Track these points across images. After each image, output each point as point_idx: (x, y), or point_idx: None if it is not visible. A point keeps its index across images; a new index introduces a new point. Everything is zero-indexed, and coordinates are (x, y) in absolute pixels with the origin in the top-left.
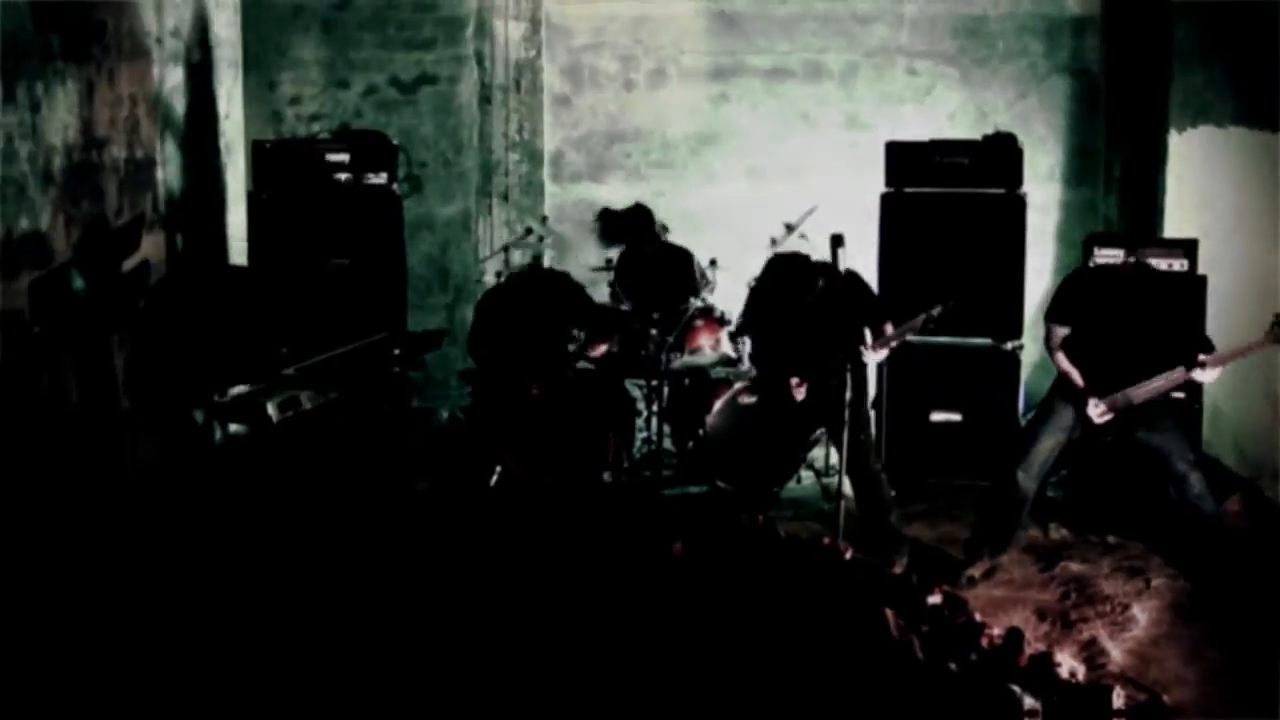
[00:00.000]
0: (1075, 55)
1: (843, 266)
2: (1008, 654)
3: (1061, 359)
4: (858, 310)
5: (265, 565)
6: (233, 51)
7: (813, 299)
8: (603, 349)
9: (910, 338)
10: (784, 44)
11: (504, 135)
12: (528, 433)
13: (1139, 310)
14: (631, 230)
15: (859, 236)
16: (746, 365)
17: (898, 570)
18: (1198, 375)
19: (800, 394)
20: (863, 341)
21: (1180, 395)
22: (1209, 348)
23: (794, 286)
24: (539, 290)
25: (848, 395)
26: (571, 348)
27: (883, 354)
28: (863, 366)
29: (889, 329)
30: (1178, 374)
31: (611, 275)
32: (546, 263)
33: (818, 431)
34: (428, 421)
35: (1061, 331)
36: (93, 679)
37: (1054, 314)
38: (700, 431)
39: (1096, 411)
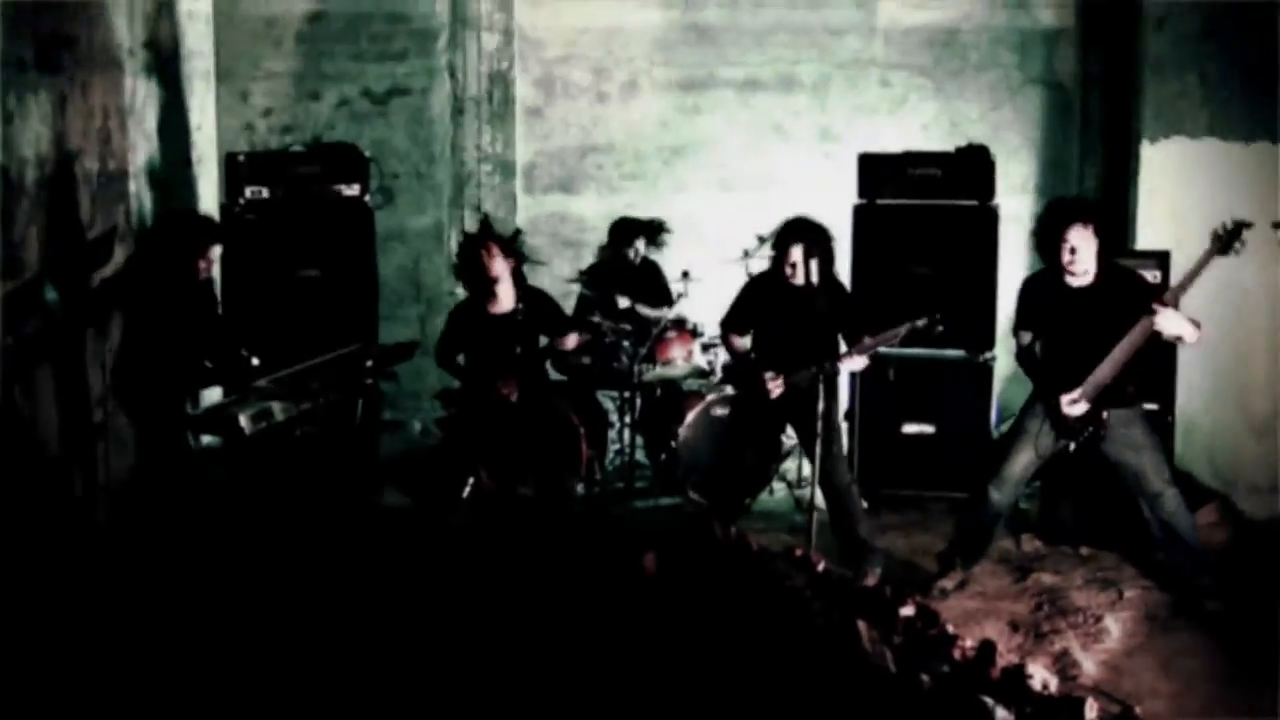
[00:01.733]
0: (1048, 67)
1: (814, 278)
2: (980, 666)
3: (1031, 365)
4: (841, 315)
5: (237, 577)
6: (205, 63)
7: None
8: (574, 340)
9: (883, 349)
10: (756, 55)
11: (476, 147)
12: (500, 445)
13: (1100, 306)
14: (621, 234)
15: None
16: (718, 376)
17: (870, 582)
18: (1158, 323)
19: (775, 390)
20: (838, 350)
21: (1153, 406)
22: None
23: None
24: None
25: (820, 406)
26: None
27: (860, 362)
28: (835, 375)
29: (867, 340)
30: (1137, 331)
31: (581, 287)
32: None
33: (789, 444)
34: (400, 433)
35: (1026, 336)
36: (66, 690)
37: (1019, 323)
38: (672, 443)
39: (1071, 404)
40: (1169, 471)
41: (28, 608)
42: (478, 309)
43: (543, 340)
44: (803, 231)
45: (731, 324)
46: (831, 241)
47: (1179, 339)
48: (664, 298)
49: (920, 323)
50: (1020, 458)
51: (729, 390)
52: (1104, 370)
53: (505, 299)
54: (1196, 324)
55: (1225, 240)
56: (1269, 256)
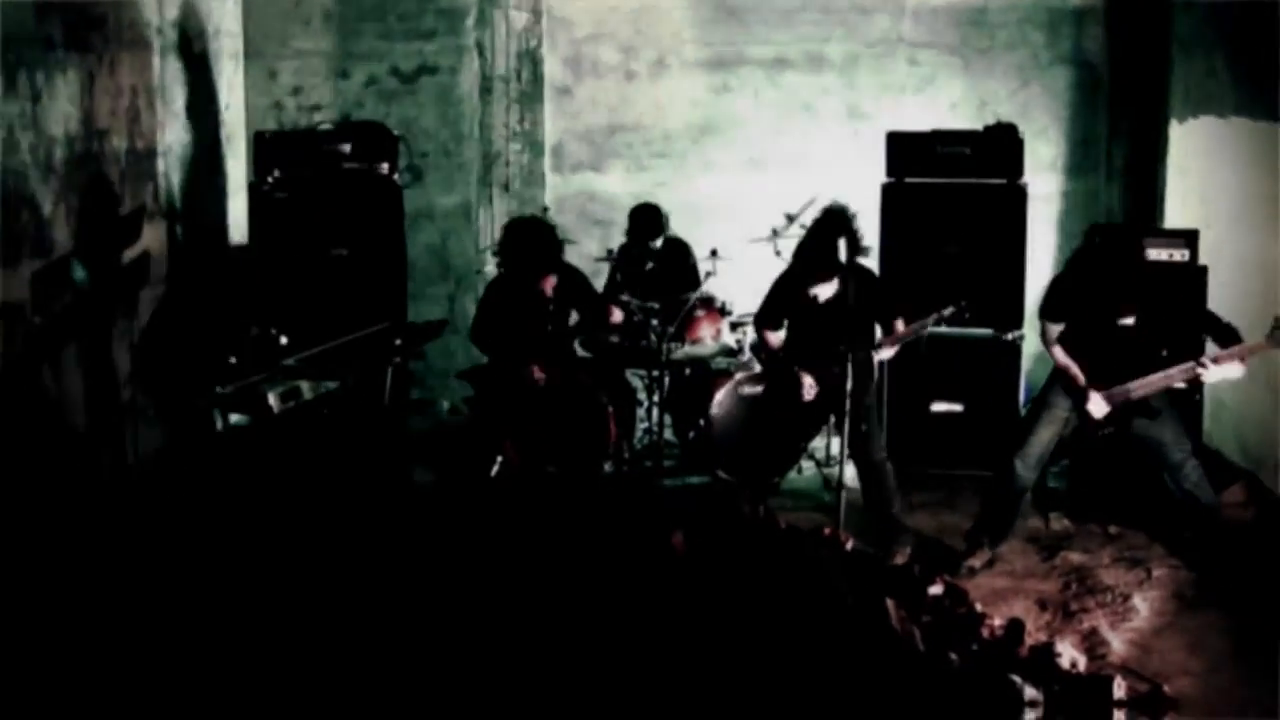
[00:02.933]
0: (1076, 45)
1: (843, 257)
2: (1009, 644)
3: (1059, 353)
4: (873, 303)
5: (266, 556)
6: (234, 42)
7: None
8: (619, 314)
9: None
10: (785, 34)
11: (505, 125)
12: (529, 423)
13: (1134, 303)
14: (641, 228)
15: (860, 226)
16: (747, 355)
17: (899, 561)
18: (1200, 373)
19: (811, 394)
20: (873, 340)
21: (1181, 385)
22: (1219, 327)
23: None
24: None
25: (849, 385)
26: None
27: (892, 351)
28: (869, 358)
29: (899, 326)
30: (1179, 370)
31: (611, 266)
32: None
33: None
34: (428, 412)
35: (1056, 328)
36: (95, 672)
37: (1047, 311)
38: (701, 422)
39: (1097, 406)
40: (1190, 444)
41: (55, 586)
42: (521, 287)
43: (573, 317)
44: (835, 255)
45: (765, 320)
46: (858, 233)
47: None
48: (691, 279)
49: (947, 311)
50: (1044, 431)
51: (758, 369)
52: (1136, 388)
53: (551, 283)
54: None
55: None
56: None
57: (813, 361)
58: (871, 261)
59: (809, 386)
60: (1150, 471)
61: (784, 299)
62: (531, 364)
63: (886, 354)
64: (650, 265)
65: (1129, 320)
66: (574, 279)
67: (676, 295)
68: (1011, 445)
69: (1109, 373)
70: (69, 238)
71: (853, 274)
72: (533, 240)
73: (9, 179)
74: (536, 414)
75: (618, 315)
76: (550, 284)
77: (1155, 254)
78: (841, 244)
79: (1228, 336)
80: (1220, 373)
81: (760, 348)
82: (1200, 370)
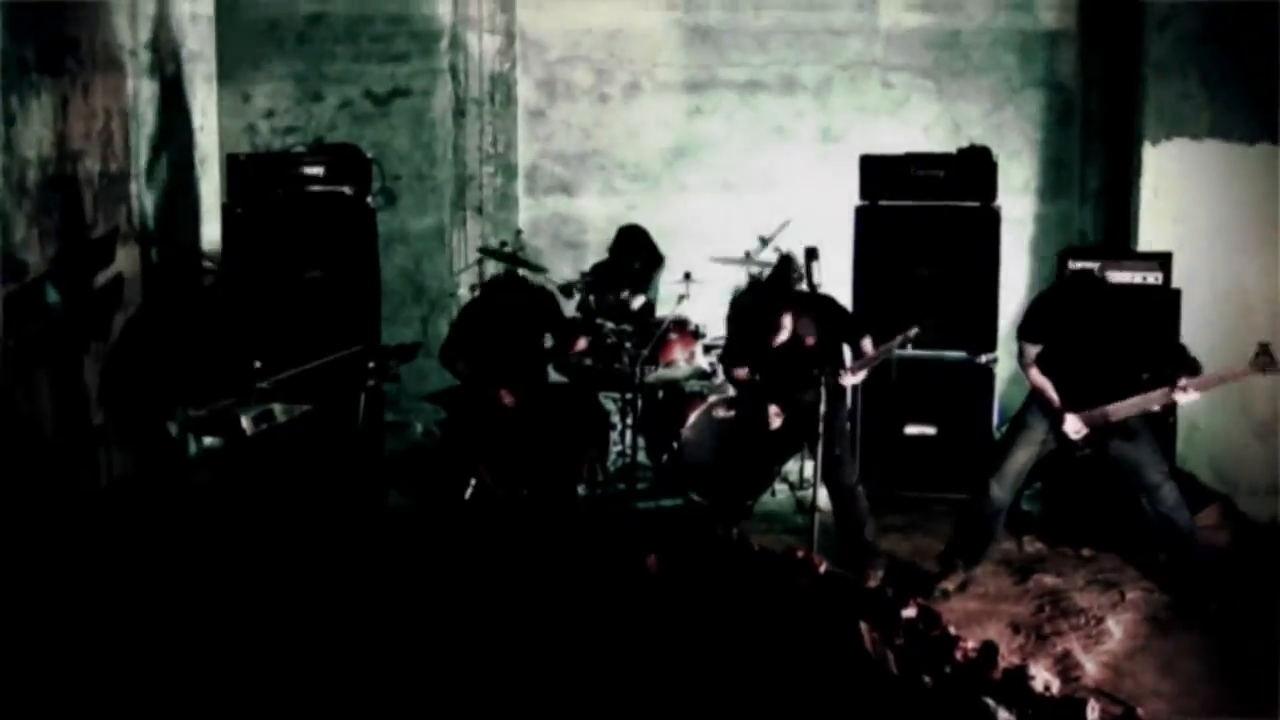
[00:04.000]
0: (1050, 68)
1: (818, 279)
2: (982, 667)
3: (1036, 375)
4: (835, 334)
5: (239, 579)
6: (207, 65)
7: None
8: (582, 343)
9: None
10: (758, 57)
11: (478, 148)
12: (502, 446)
13: (1110, 325)
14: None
15: (834, 250)
16: (720, 378)
17: (873, 583)
18: (1178, 397)
19: (777, 423)
20: (841, 364)
21: (1156, 409)
22: (1185, 361)
23: (764, 324)
24: (512, 299)
25: (821, 409)
26: (549, 345)
27: (861, 376)
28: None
29: (867, 346)
30: (1157, 395)
31: (578, 290)
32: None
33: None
34: (402, 435)
35: (1033, 350)
36: (62, 693)
37: (1025, 332)
38: (674, 444)
39: (1074, 428)
40: (1166, 466)
41: (26, 608)
42: (489, 306)
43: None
44: (787, 301)
45: (730, 357)
46: (813, 264)
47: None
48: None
49: (911, 333)
50: (1020, 454)
51: (732, 392)
52: (1113, 410)
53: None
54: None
55: (1262, 362)
56: (1271, 259)
57: (781, 391)
58: (845, 284)
59: (775, 415)
60: (1124, 494)
61: (743, 333)
62: (500, 389)
63: (853, 379)
64: (623, 290)
65: (1103, 340)
66: (544, 303)
67: (649, 317)
68: (987, 468)
69: (1086, 395)
70: (42, 260)
71: (808, 307)
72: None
73: None
74: (510, 437)
75: (582, 343)
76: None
77: (1129, 277)
78: (786, 320)
79: (1193, 371)
80: (1196, 399)
81: (729, 380)
82: (1178, 396)
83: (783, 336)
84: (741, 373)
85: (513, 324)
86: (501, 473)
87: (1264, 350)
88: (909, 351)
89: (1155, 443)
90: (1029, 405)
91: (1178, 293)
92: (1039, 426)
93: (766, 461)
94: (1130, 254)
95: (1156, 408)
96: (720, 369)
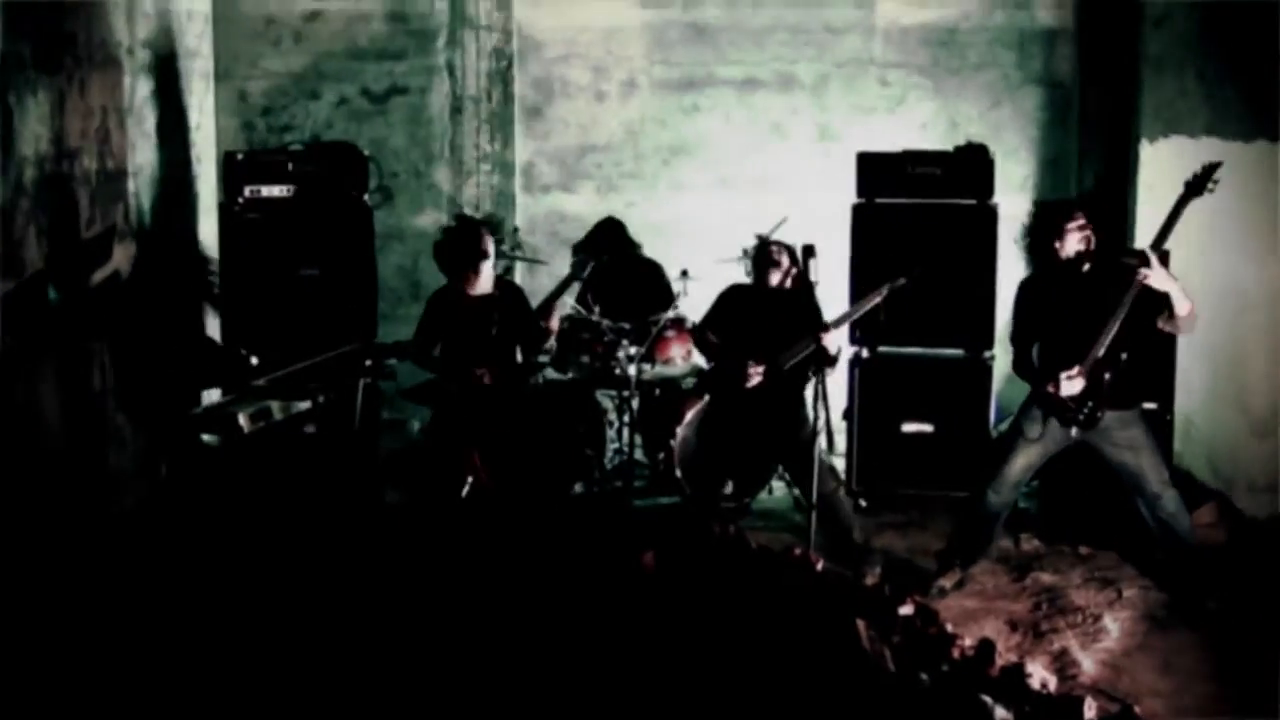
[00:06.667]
0: (1047, 65)
1: (815, 277)
2: (979, 665)
3: (1028, 369)
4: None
5: (237, 577)
6: (204, 62)
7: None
8: (555, 322)
9: (883, 349)
10: (755, 54)
11: (475, 146)
12: (491, 440)
13: (1094, 292)
14: (607, 243)
15: (830, 247)
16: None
17: (870, 581)
18: (1149, 276)
19: (756, 377)
20: (823, 324)
21: (1152, 406)
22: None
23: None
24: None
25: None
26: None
27: (843, 335)
28: (822, 356)
29: (848, 309)
30: (1128, 295)
31: (581, 286)
32: (518, 274)
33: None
34: (399, 432)
35: (1028, 348)
36: (65, 692)
37: (1018, 334)
38: (671, 442)
39: (1069, 380)
40: (1167, 473)
41: (32, 609)
42: (456, 293)
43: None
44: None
45: (707, 326)
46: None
47: (1168, 301)
48: (665, 298)
49: (899, 282)
50: (1018, 460)
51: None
52: (1100, 342)
53: (486, 281)
54: (1174, 279)
55: (1197, 183)
56: (1268, 256)
57: (759, 350)
58: (841, 282)
59: (754, 372)
60: (1121, 493)
61: (726, 307)
62: (474, 370)
63: (838, 337)
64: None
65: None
66: (510, 293)
67: (647, 315)
68: (984, 475)
69: (1074, 358)
70: (40, 258)
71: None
72: (452, 239)
73: None
74: (498, 430)
75: (554, 322)
76: (477, 280)
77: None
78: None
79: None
80: (1161, 273)
81: (702, 347)
82: (1143, 275)
83: (775, 278)
84: (714, 339)
85: (486, 306)
86: (497, 471)
87: (1197, 174)
88: (906, 349)
89: (1157, 450)
90: (1026, 409)
91: None
92: (1035, 432)
93: (763, 458)
94: (1127, 251)
95: (1130, 305)
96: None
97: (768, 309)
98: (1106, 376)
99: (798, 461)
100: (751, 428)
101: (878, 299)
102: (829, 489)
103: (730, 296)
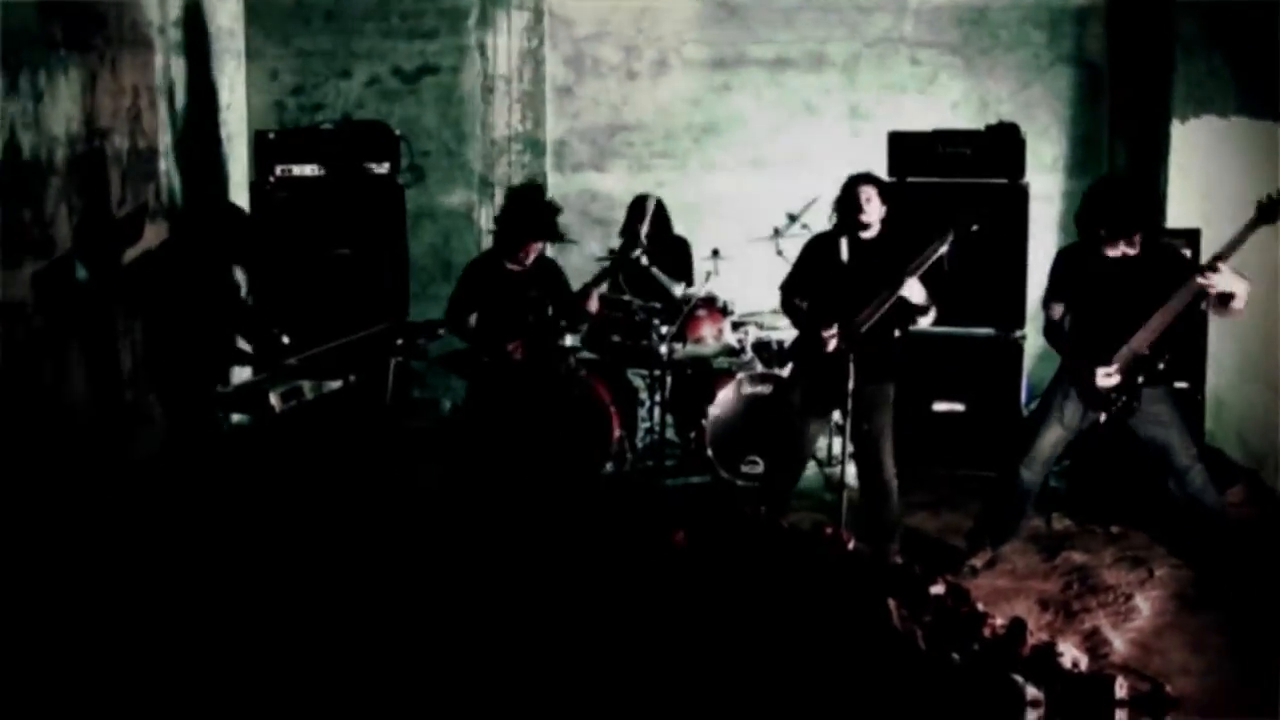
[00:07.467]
0: (1078, 45)
1: (844, 258)
2: (1010, 644)
3: (1060, 338)
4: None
5: (268, 556)
6: (235, 41)
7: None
8: (595, 302)
9: (914, 328)
10: (786, 34)
11: (506, 125)
12: (524, 420)
13: (1138, 279)
14: (654, 224)
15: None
16: (749, 355)
17: (894, 559)
18: (1216, 280)
19: (832, 342)
20: (899, 274)
21: (1183, 384)
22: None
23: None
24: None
25: (850, 383)
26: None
27: (917, 286)
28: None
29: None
30: (1182, 294)
31: (612, 265)
32: (548, 251)
33: (819, 422)
34: (430, 411)
35: (1059, 309)
36: (95, 671)
37: (1050, 292)
38: (703, 422)
39: (1106, 380)
40: (1195, 449)
41: (56, 585)
42: (496, 264)
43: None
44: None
45: (792, 287)
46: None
47: (1229, 301)
48: (685, 275)
49: (969, 227)
50: (1049, 435)
51: (759, 368)
52: (1140, 338)
53: (533, 256)
54: (1246, 279)
55: (1271, 208)
56: None
57: (836, 314)
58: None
59: (830, 337)
60: (1151, 471)
61: (810, 263)
62: (508, 344)
63: (914, 289)
64: (640, 254)
65: (1126, 294)
66: (550, 270)
67: (669, 294)
68: (1016, 451)
69: (1111, 347)
70: (70, 237)
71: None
72: (525, 203)
73: (11, 178)
74: (531, 410)
75: (594, 303)
76: (532, 251)
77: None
78: (869, 190)
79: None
80: (1229, 275)
81: (785, 308)
82: (1204, 281)
83: (868, 215)
84: (799, 303)
85: (525, 282)
86: (528, 449)
87: (1272, 199)
88: (938, 329)
89: (1184, 425)
90: (1056, 385)
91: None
92: (1066, 408)
93: (797, 439)
94: (1158, 230)
95: (1181, 307)
96: (749, 341)
97: (858, 259)
98: (1140, 380)
99: (869, 443)
100: (826, 400)
101: (943, 248)
102: (891, 474)
103: (815, 248)
